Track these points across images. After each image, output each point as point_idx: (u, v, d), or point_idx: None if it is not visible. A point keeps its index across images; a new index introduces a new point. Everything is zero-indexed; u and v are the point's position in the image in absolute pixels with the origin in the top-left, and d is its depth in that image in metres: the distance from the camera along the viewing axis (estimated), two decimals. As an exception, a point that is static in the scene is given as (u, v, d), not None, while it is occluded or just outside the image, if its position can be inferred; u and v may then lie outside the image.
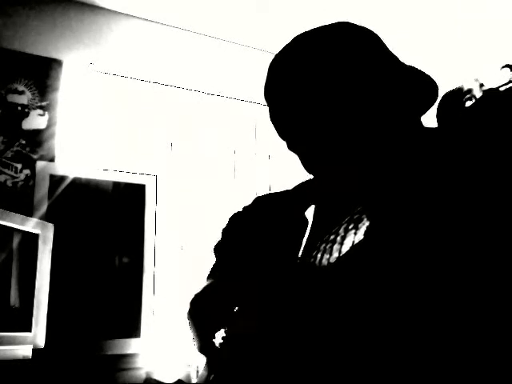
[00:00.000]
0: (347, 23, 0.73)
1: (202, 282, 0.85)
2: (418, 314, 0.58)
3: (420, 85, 0.70)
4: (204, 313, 0.78)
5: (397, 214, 0.64)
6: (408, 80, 0.70)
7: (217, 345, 0.76)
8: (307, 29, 0.75)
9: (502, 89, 0.67)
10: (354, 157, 0.67)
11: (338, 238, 0.69)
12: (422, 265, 0.59)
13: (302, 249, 0.76)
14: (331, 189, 0.73)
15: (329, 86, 0.66)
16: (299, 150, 0.74)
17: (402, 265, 0.60)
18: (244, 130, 2.74)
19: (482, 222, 0.57)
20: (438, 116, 0.78)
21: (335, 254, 0.68)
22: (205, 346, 0.75)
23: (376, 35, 0.73)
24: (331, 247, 0.69)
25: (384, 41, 0.74)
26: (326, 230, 0.73)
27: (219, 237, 0.91)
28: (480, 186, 0.59)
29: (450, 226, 0.59)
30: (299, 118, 0.70)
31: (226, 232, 0.89)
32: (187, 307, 0.81)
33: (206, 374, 0.77)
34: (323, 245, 0.72)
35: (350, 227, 0.69)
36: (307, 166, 0.75)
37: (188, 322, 0.80)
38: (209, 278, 0.85)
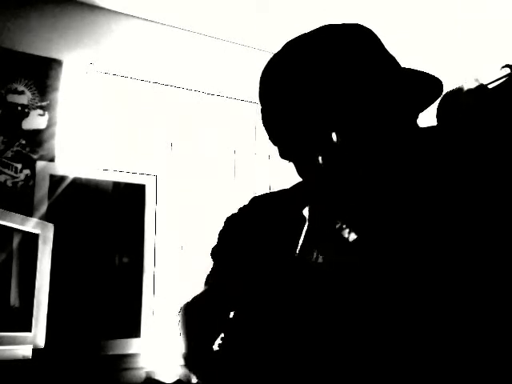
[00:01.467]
0: (339, 25, 0.72)
1: (199, 286, 0.84)
2: (417, 312, 0.58)
3: (416, 85, 0.69)
4: (197, 325, 0.77)
5: (394, 214, 0.64)
6: (404, 81, 0.69)
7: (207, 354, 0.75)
8: (307, 29, 0.74)
9: (490, 86, 0.66)
10: (348, 164, 0.67)
11: (335, 236, 0.69)
12: (420, 263, 0.59)
13: (298, 247, 0.76)
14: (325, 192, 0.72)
15: (323, 91, 0.66)
16: (292, 157, 0.73)
17: (401, 263, 0.60)
18: (244, 130, 2.74)
19: (481, 221, 0.57)
20: (437, 116, 0.77)
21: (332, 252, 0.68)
22: (190, 357, 0.74)
23: (370, 33, 0.71)
24: (328, 245, 0.69)
25: (384, 41, 0.73)
26: (322, 228, 0.73)
27: (216, 240, 0.90)
28: (478, 187, 0.58)
29: (448, 225, 0.58)
30: (292, 124, 0.69)
31: (222, 235, 0.89)
32: (180, 316, 0.80)
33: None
34: (320, 243, 0.71)
35: (347, 225, 0.68)
36: (301, 174, 0.74)
37: (180, 331, 0.78)
38: (206, 283, 0.85)
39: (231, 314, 0.79)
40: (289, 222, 0.80)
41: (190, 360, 0.74)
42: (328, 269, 0.67)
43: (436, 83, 0.70)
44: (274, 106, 0.70)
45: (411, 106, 0.69)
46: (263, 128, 0.76)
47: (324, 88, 0.66)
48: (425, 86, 0.69)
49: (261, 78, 0.74)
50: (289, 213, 0.81)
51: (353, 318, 0.62)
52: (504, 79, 0.61)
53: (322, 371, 0.63)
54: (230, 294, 0.80)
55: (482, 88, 0.66)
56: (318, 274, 0.69)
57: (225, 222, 0.90)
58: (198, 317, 0.77)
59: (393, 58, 0.71)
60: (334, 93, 0.65)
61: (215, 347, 0.76)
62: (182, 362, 0.76)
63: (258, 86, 0.75)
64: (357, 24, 0.72)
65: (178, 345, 0.77)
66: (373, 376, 0.59)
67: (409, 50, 2.60)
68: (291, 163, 0.76)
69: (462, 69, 2.63)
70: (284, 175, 2.60)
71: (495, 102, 0.63)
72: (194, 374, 0.75)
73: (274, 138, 0.74)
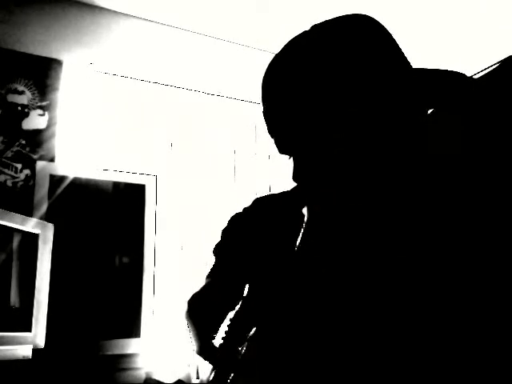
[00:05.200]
0: (345, 18, 0.71)
1: (200, 282, 0.85)
2: (416, 312, 0.58)
3: (424, 82, 0.68)
4: (202, 313, 0.78)
5: (394, 212, 0.64)
6: (411, 77, 0.68)
7: (216, 345, 0.76)
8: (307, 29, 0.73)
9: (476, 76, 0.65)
10: (349, 160, 0.66)
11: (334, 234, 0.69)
12: (418, 262, 0.59)
13: (297, 245, 0.76)
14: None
15: (328, 86, 0.65)
16: (292, 152, 0.72)
17: (400, 261, 0.60)
18: (244, 129, 2.74)
19: (482, 221, 0.57)
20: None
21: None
22: (203, 347, 0.75)
23: (377, 25, 0.70)
24: (326, 242, 0.69)
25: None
26: (321, 227, 0.73)
27: (219, 237, 0.91)
28: (477, 187, 0.58)
29: (449, 225, 0.58)
30: (296, 118, 0.68)
31: (225, 233, 0.90)
32: (185, 308, 0.81)
33: (216, 375, 0.76)
34: (318, 240, 0.72)
35: (346, 223, 0.68)
36: (299, 170, 0.73)
37: (186, 322, 0.80)
38: (208, 277, 0.86)
39: (233, 310, 0.80)
40: (289, 222, 0.80)
41: (203, 351, 0.76)
42: (326, 267, 0.67)
43: (448, 79, 0.67)
44: (278, 99, 0.70)
45: (418, 103, 0.68)
46: (264, 126, 0.75)
47: (330, 82, 0.65)
48: (433, 83, 0.68)
49: (267, 69, 0.73)
50: (289, 212, 0.81)
51: (350, 316, 0.62)
52: (491, 69, 0.60)
53: (321, 368, 0.63)
54: (228, 293, 0.80)
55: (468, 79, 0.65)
56: (315, 272, 0.69)
57: (228, 221, 0.91)
58: (203, 310, 0.79)
59: (400, 52, 0.69)
60: (338, 88, 0.65)
61: (219, 341, 0.77)
62: (195, 353, 0.77)
63: (261, 81, 0.75)
64: (364, 16, 0.71)
65: (187, 337, 0.79)
66: (372, 375, 0.59)
67: (408, 50, 2.60)
68: (290, 160, 0.75)
69: (461, 69, 2.62)
70: (284, 175, 2.60)
71: (482, 91, 0.62)
72: (210, 363, 0.76)
73: (274, 131, 0.73)
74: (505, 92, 0.59)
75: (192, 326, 0.78)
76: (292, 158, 0.73)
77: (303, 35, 0.70)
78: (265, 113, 0.73)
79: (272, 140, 0.76)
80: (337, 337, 0.63)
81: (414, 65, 0.72)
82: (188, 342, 0.75)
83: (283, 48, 0.71)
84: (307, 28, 0.72)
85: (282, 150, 0.74)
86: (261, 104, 0.75)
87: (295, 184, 0.77)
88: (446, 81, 0.66)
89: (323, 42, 0.67)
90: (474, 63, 2.60)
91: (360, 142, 0.65)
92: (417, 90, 0.67)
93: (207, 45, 2.63)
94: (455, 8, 2.44)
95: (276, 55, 0.72)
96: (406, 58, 0.69)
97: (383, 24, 0.73)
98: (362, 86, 0.65)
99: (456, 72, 0.67)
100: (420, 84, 0.67)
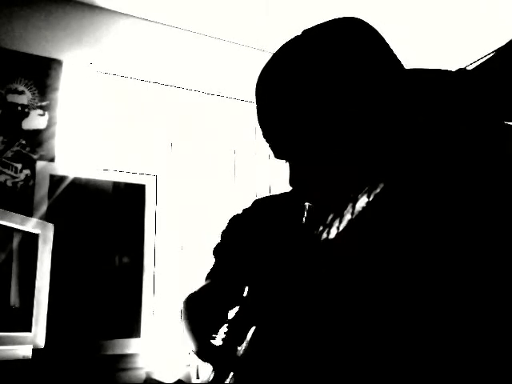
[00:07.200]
0: (339, 21, 0.71)
1: (199, 283, 0.85)
2: (416, 312, 0.58)
3: (419, 85, 0.68)
4: (200, 314, 0.78)
5: (394, 212, 0.64)
6: (406, 81, 0.68)
7: (216, 344, 0.76)
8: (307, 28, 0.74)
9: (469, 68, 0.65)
10: (346, 158, 0.66)
11: (324, 234, 0.69)
12: (419, 261, 0.59)
13: (297, 246, 0.76)
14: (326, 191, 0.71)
15: (324, 87, 0.65)
16: (289, 156, 0.72)
17: (400, 262, 0.60)
18: (244, 130, 2.74)
19: (481, 219, 0.57)
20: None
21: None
22: (202, 347, 0.75)
23: (370, 29, 0.70)
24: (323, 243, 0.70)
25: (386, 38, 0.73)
26: (320, 227, 0.73)
27: (218, 239, 0.91)
28: (476, 185, 0.58)
29: (450, 225, 0.58)
30: (291, 122, 0.68)
31: (225, 234, 0.90)
32: (181, 307, 0.81)
33: (216, 375, 0.76)
34: (317, 241, 0.72)
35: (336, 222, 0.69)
36: (295, 174, 0.73)
37: (183, 322, 0.79)
38: (207, 278, 0.86)
39: (233, 309, 0.80)
40: (288, 223, 0.80)
41: (202, 352, 0.75)
42: (325, 267, 0.68)
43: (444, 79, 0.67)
44: (274, 104, 0.70)
45: (413, 104, 0.68)
46: (259, 127, 0.75)
47: (325, 85, 0.65)
48: (426, 83, 0.68)
49: (260, 75, 0.73)
50: (288, 214, 0.81)
51: (350, 317, 0.62)
52: (482, 60, 0.60)
53: (320, 368, 0.64)
54: (226, 294, 0.80)
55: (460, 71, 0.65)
56: (315, 272, 0.69)
57: (228, 222, 0.92)
58: (200, 310, 0.78)
59: (394, 56, 0.70)
60: (334, 89, 0.65)
61: (219, 341, 0.77)
62: (193, 354, 0.77)
63: (256, 82, 0.75)
64: (354, 18, 0.72)
65: (184, 337, 0.78)
66: (372, 376, 0.59)
67: (407, 50, 2.60)
68: (287, 164, 0.75)
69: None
70: (284, 175, 2.60)
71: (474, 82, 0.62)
72: (209, 363, 0.76)
73: (270, 136, 0.73)
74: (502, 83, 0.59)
75: (189, 327, 0.77)
76: (288, 163, 0.73)
77: (295, 40, 0.70)
78: (260, 118, 0.73)
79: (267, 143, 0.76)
80: (336, 337, 0.63)
81: (407, 65, 0.72)
82: (185, 342, 0.74)
83: (275, 54, 0.72)
84: (299, 33, 0.72)
85: (278, 155, 0.74)
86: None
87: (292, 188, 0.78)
88: (439, 80, 0.67)
89: (316, 45, 0.67)
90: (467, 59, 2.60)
91: (358, 142, 0.65)
92: (410, 90, 0.67)
93: (207, 45, 2.63)
94: (447, 6, 2.44)
95: (268, 61, 0.72)
96: (398, 60, 0.70)
97: (383, 24, 0.73)
98: (358, 88, 0.65)
99: (446, 71, 0.67)
100: (413, 84, 0.67)
